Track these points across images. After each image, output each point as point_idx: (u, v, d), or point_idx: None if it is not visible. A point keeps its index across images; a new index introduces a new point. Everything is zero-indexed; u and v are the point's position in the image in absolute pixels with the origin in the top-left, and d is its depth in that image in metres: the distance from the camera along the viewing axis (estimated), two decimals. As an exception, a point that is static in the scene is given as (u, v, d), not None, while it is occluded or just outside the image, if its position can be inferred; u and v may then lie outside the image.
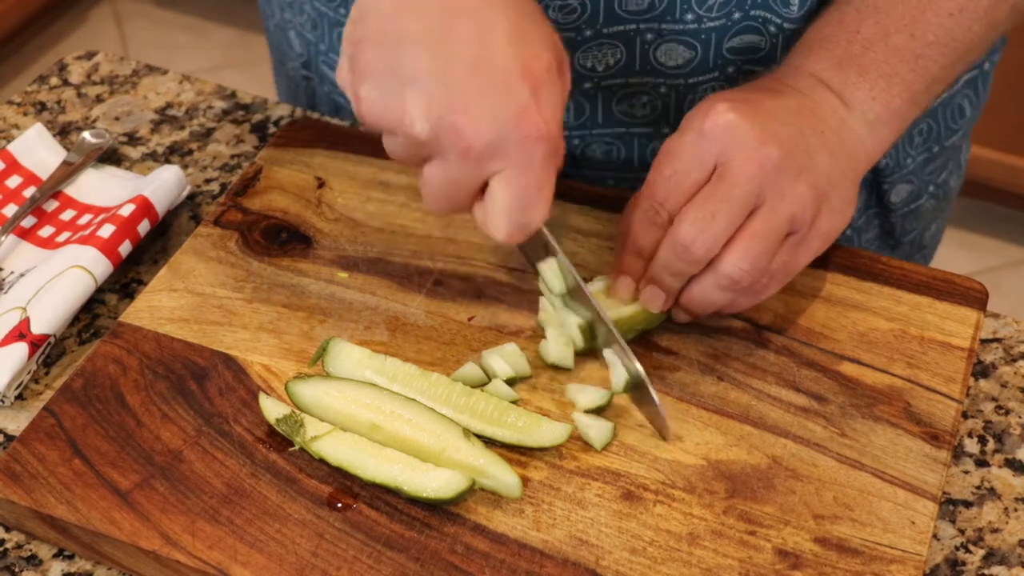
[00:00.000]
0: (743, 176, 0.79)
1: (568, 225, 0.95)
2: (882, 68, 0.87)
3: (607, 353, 0.84)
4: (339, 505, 0.78)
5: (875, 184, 1.10)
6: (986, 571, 0.78)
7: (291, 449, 0.80)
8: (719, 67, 0.97)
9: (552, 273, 0.85)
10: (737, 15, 0.94)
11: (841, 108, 0.86)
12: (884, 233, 1.16)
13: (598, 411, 0.82)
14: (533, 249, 0.87)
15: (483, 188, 0.77)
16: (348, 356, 0.84)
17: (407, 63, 0.74)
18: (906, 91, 0.88)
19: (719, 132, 0.80)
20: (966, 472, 0.84)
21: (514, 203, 0.76)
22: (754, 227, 0.80)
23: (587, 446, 0.81)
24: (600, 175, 1.05)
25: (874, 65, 0.87)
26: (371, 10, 0.76)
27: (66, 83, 1.16)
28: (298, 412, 0.81)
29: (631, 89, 0.98)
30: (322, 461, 0.79)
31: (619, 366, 0.83)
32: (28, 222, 1.00)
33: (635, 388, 0.83)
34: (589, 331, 0.85)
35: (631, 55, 0.95)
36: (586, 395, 0.83)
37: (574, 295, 0.85)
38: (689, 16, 0.93)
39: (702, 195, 0.80)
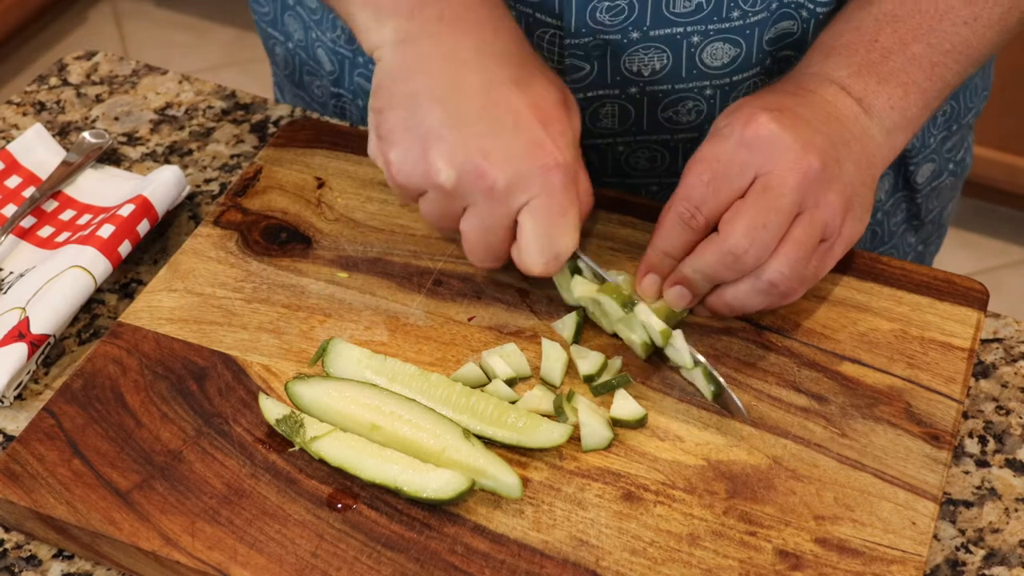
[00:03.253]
0: (788, 187, 0.81)
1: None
2: (900, 77, 0.88)
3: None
4: (339, 506, 0.78)
5: (901, 166, 1.12)
6: (986, 571, 0.78)
7: (291, 450, 0.80)
8: (760, 61, 0.98)
9: (576, 284, 0.87)
10: (775, 4, 0.95)
11: (862, 116, 0.87)
12: (910, 215, 1.18)
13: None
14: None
15: (515, 233, 0.82)
16: (348, 356, 0.84)
17: (424, 119, 0.80)
18: (921, 99, 0.89)
19: (762, 142, 0.82)
20: (967, 472, 0.84)
21: (541, 231, 0.81)
22: (796, 235, 0.81)
23: (587, 446, 0.81)
24: (644, 182, 1.05)
25: (892, 74, 0.88)
26: (384, 78, 0.82)
27: (66, 83, 1.16)
28: (298, 412, 0.81)
29: (677, 95, 0.98)
30: (322, 461, 0.79)
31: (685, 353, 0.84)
32: (28, 222, 1.00)
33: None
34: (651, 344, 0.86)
35: (677, 59, 0.96)
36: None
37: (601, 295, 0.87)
38: (735, 13, 0.94)
39: (750, 205, 0.81)
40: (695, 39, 0.95)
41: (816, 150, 0.82)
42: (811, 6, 0.95)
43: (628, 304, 0.85)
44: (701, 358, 0.82)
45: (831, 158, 0.83)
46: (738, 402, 0.81)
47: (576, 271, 0.88)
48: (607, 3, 0.92)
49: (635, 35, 0.94)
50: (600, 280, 0.87)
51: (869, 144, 0.87)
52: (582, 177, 0.85)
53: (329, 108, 1.16)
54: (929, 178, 1.15)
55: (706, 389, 0.82)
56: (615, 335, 0.88)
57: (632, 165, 1.04)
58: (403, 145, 0.81)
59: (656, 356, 0.86)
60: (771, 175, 0.81)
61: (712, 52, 0.96)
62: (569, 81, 0.97)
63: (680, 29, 0.94)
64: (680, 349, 0.83)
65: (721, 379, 0.81)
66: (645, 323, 0.84)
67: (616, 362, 0.85)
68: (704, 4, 0.93)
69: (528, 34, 0.95)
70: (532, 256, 0.82)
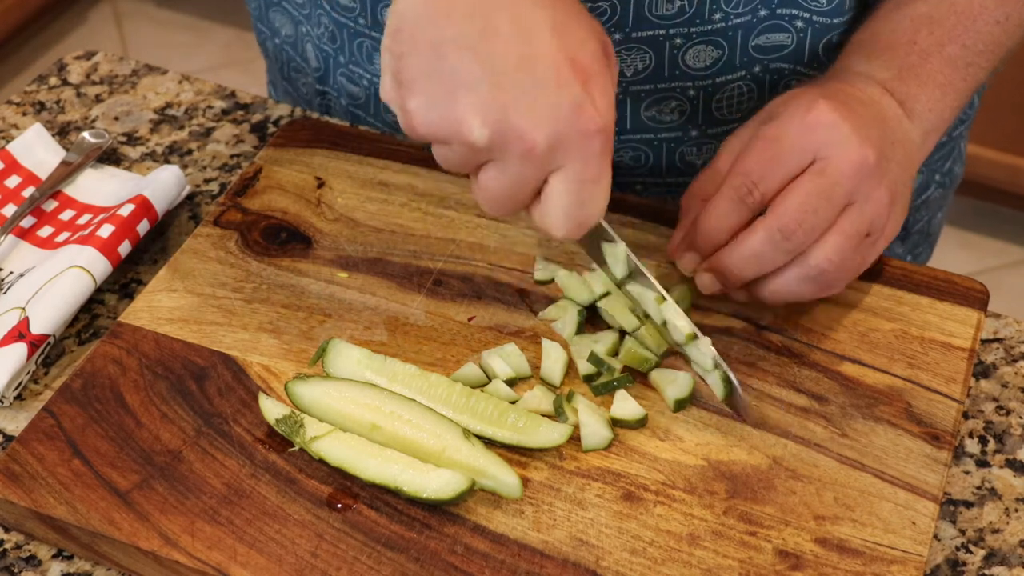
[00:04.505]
0: (843, 175, 0.81)
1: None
2: (937, 78, 0.90)
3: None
4: (339, 505, 0.78)
5: None
6: (987, 571, 0.78)
7: (291, 450, 0.80)
8: (745, 65, 0.97)
9: (615, 258, 0.85)
10: (763, 12, 0.94)
11: (904, 119, 0.88)
12: None
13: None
14: (590, 242, 0.86)
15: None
16: (348, 356, 0.84)
17: (453, 68, 0.72)
18: (956, 99, 0.91)
19: (823, 129, 0.82)
20: (967, 472, 0.84)
21: (573, 199, 0.75)
22: (844, 224, 0.82)
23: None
24: (629, 180, 1.05)
25: (931, 76, 0.89)
26: (407, 20, 0.74)
27: (65, 83, 1.16)
28: (298, 412, 0.81)
29: (660, 94, 0.98)
30: (322, 461, 0.79)
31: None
32: (27, 222, 1.00)
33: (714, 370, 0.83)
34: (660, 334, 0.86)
35: (660, 61, 0.96)
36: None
37: (631, 279, 0.86)
38: (718, 15, 0.93)
39: (803, 188, 0.81)
40: (678, 41, 0.94)
41: (872, 144, 0.83)
42: (806, 15, 0.95)
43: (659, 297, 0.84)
44: (721, 362, 0.82)
45: (883, 155, 0.84)
46: (747, 404, 0.81)
47: (588, 247, 0.86)
48: (588, 4, 0.91)
49: (617, 36, 0.94)
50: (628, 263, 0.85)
51: (909, 146, 0.88)
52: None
53: (315, 105, 1.16)
54: (917, 190, 1.15)
55: (719, 390, 0.82)
56: (620, 331, 0.87)
57: (615, 164, 1.04)
58: (428, 94, 0.74)
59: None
60: (829, 161, 0.81)
61: (695, 54, 0.96)
62: None
63: (663, 31, 0.94)
64: (705, 353, 0.82)
65: (737, 383, 0.81)
66: (670, 322, 0.83)
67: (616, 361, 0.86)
68: (687, 7, 0.92)
69: None
70: (557, 220, 0.77)
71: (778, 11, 0.94)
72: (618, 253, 0.85)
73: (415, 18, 0.74)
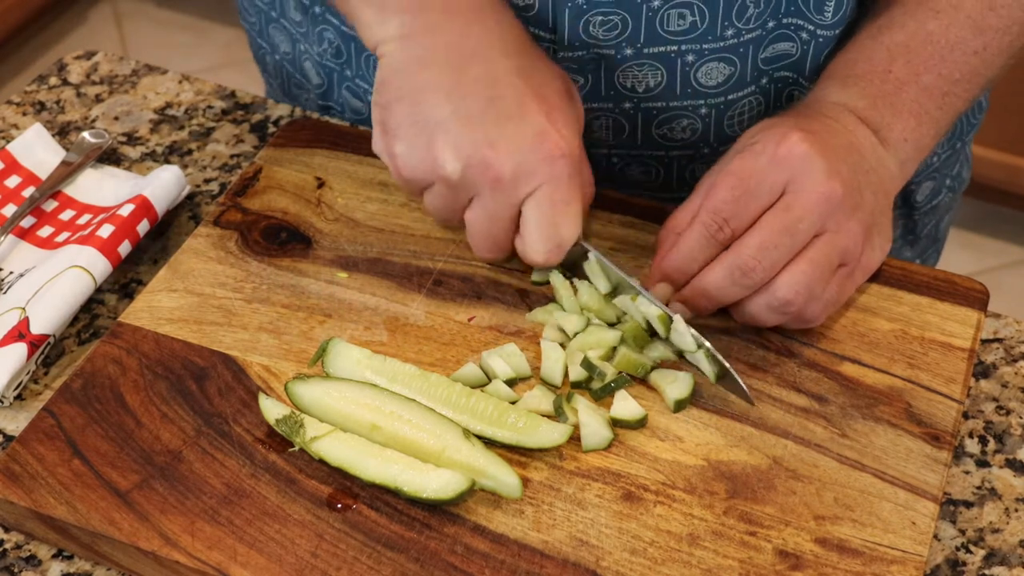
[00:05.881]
0: (809, 209, 0.82)
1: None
2: (913, 107, 0.90)
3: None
4: (339, 506, 0.78)
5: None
6: (987, 571, 0.78)
7: (291, 450, 0.80)
8: (755, 80, 0.97)
9: (595, 275, 0.87)
10: (771, 24, 0.94)
11: (879, 147, 0.88)
12: (907, 231, 1.18)
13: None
14: (573, 265, 0.89)
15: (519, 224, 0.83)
16: (348, 356, 0.84)
17: (430, 112, 0.81)
18: (933, 128, 0.91)
19: (793, 161, 0.82)
20: (967, 472, 0.84)
21: (545, 220, 0.82)
22: (811, 254, 0.82)
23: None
24: (638, 193, 1.05)
25: (906, 105, 0.89)
26: (391, 72, 0.83)
27: (65, 83, 1.16)
28: (298, 413, 0.81)
29: (671, 112, 0.98)
30: (322, 462, 0.79)
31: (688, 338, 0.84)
32: (27, 222, 1.00)
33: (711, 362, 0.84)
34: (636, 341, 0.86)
35: (672, 78, 0.95)
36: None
37: (618, 292, 0.87)
38: (730, 32, 0.93)
39: (768, 224, 0.82)
40: (690, 58, 0.94)
41: (841, 176, 0.83)
42: (811, 27, 0.95)
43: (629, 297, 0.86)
44: (703, 340, 0.82)
45: (854, 186, 0.84)
46: (742, 383, 0.82)
47: (573, 269, 0.88)
48: (600, 17, 0.91)
49: (629, 51, 0.94)
50: (606, 274, 0.87)
51: (884, 174, 0.88)
52: (584, 167, 0.86)
53: None
54: (928, 196, 1.16)
55: (710, 371, 0.83)
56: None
57: (626, 176, 1.04)
58: (409, 138, 0.82)
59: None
60: (797, 196, 0.82)
61: (707, 71, 0.95)
62: None
63: (675, 47, 0.94)
64: (682, 332, 0.83)
65: (724, 360, 0.82)
66: (645, 312, 0.84)
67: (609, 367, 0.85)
68: (698, 22, 0.92)
69: None
70: (535, 245, 0.83)
71: (784, 20, 0.94)
72: (592, 266, 0.87)
73: (397, 70, 0.82)
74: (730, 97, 0.98)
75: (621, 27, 0.92)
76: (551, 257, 0.84)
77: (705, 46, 0.94)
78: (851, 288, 0.87)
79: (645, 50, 0.93)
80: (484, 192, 0.82)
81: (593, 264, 0.87)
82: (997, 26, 0.91)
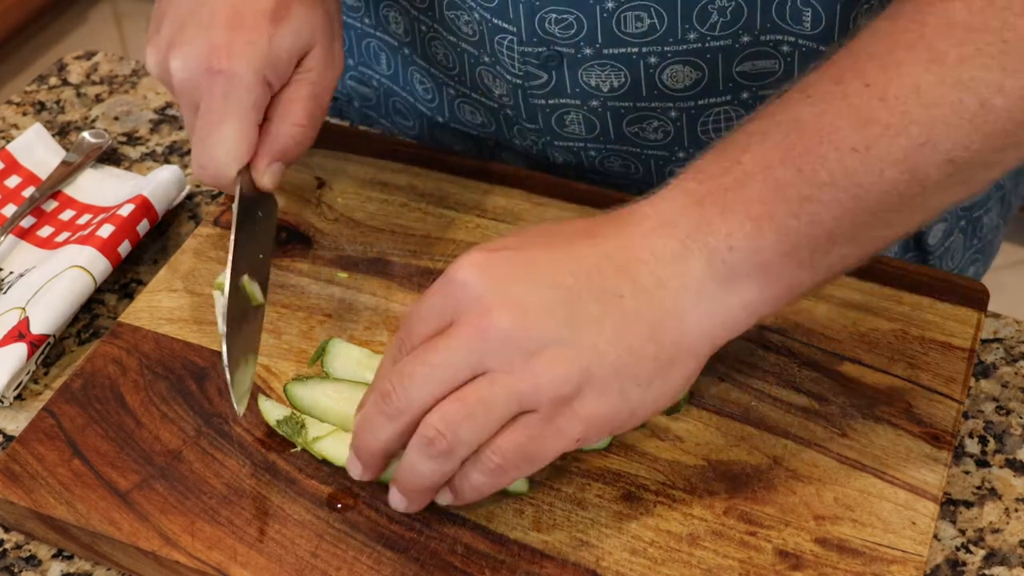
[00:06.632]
0: (460, 344, 0.69)
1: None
2: (752, 208, 0.69)
3: None
4: (339, 506, 0.78)
5: None
6: (987, 571, 0.78)
7: (292, 450, 0.80)
8: (731, 91, 0.94)
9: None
10: (746, 39, 0.90)
11: (675, 263, 0.70)
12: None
13: None
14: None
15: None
16: (348, 356, 0.84)
17: (163, 19, 0.86)
18: (783, 241, 0.69)
19: (455, 288, 0.70)
20: (967, 472, 0.84)
21: (197, 135, 0.84)
22: (463, 392, 0.69)
23: (587, 446, 0.81)
24: (623, 183, 1.05)
25: (742, 204, 0.69)
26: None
27: (65, 83, 1.16)
28: (298, 414, 0.81)
29: (640, 112, 0.96)
30: (324, 462, 0.79)
31: None
32: (27, 222, 1.00)
33: None
34: None
35: (635, 79, 0.94)
36: None
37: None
38: (692, 35, 0.90)
39: (421, 349, 0.71)
40: (652, 60, 0.92)
41: (514, 307, 0.68)
42: (792, 39, 0.91)
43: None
44: None
45: (553, 318, 0.68)
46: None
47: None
48: (554, 15, 0.90)
49: (588, 51, 0.92)
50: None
51: (667, 301, 0.70)
52: (295, 108, 0.86)
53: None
54: (941, 239, 1.09)
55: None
56: None
57: (607, 169, 1.03)
58: (154, 43, 0.86)
59: None
60: (454, 327, 0.70)
61: (672, 74, 0.93)
62: (529, 88, 0.96)
63: (635, 49, 0.91)
64: None
65: None
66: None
67: None
68: (657, 24, 0.89)
69: (488, 39, 0.94)
70: (192, 158, 0.86)
71: (762, 38, 0.91)
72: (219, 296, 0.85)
73: None
74: (700, 102, 0.95)
75: (577, 27, 0.91)
76: (202, 175, 0.85)
77: (667, 48, 0.91)
78: (557, 441, 0.70)
79: (605, 51, 0.92)
80: (178, 99, 0.86)
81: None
82: (888, 122, 0.68)
